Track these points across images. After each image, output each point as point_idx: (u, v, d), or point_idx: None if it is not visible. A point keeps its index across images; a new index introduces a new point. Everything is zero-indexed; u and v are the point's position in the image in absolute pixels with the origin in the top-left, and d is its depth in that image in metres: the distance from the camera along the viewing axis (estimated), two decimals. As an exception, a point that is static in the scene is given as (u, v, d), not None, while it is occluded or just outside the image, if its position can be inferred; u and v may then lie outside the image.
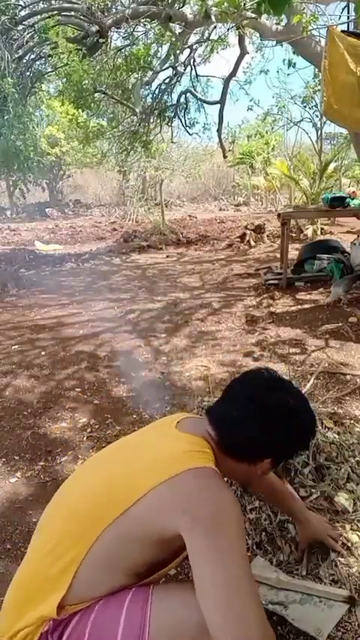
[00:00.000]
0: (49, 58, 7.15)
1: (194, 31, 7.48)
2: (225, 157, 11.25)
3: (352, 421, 2.16)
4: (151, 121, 9.20)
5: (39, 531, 1.06)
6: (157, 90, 8.89)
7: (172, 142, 11.51)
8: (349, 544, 1.57)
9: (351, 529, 1.62)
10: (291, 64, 5.92)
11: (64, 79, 7.87)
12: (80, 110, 8.82)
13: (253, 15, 4.98)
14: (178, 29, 7.26)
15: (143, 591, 0.95)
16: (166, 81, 8.76)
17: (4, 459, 2.29)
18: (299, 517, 1.51)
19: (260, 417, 1.04)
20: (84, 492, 1.04)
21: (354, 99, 3.36)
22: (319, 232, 8.59)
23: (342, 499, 1.71)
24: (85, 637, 0.91)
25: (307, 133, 11.59)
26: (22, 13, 6.43)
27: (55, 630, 0.93)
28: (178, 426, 1.09)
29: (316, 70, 6.53)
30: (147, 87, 8.93)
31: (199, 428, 1.08)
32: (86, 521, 0.96)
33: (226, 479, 1.20)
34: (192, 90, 9.14)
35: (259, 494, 1.65)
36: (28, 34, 6.30)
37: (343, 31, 3.47)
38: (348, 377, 2.90)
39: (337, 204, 5.07)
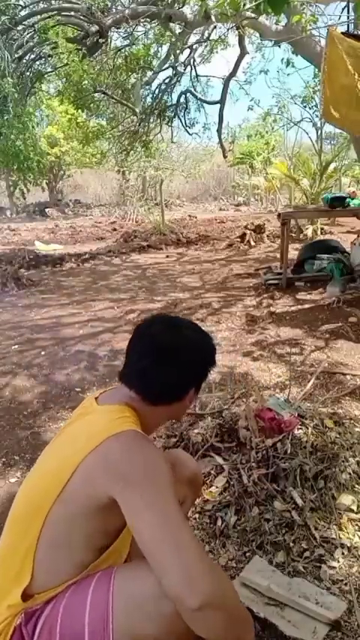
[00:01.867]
0: (49, 58, 7.15)
1: (194, 31, 7.48)
2: (225, 156, 11.25)
3: (352, 421, 2.15)
4: (151, 121, 9.20)
5: (4, 530, 1.10)
6: (157, 90, 8.89)
7: (172, 142, 11.53)
8: (350, 544, 1.57)
9: (354, 529, 1.62)
10: (290, 63, 5.93)
11: (64, 79, 7.88)
12: (80, 110, 8.83)
13: (253, 15, 4.98)
14: (178, 29, 7.26)
15: (108, 573, 0.99)
16: (166, 81, 8.76)
17: (3, 459, 2.29)
18: None
19: (172, 360, 1.10)
20: (28, 487, 1.10)
21: (352, 101, 3.35)
22: (319, 232, 8.59)
23: (345, 499, 1.71)
24: (57, 624, 0.94)
25: (307, 133, 11.60)
26: (22, 13, 6.43)
27: (29, 622, 0.95)
28: (98, 401, 1.13)
29: (316, 69, 6.52)
30: (147, 87, 8.94)
31: (117, 396, 1.13)
32: (30, 512, 1.00)
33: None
34: (192, 90, 9.14)
35: None
36: (28, 34, 6.31)
37: (343, 33, 3.46)
38: (348, 377, 2.89)
39: (337, 204, 5.07)
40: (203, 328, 1.25)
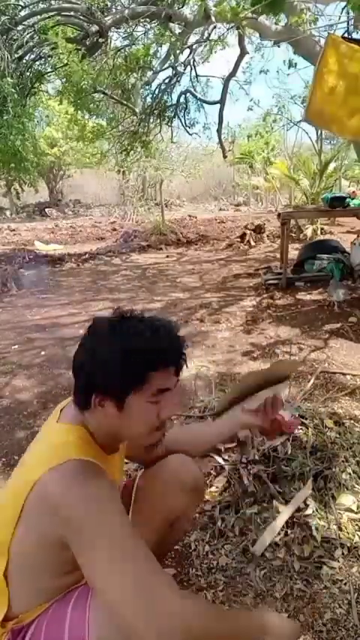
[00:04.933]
0: (49, 59, 7.15)
1: (194, 31, 7.47)
2: (225, 156, 11.26)
3: (352, 421, 2.15)
4: (151, 121, 9.20)
5: None
6: (157, 90, 8.89)
7: (172, 141, 11.52)
8: (350, 544, 1.57)
9: (354, 529, 1.62)
10: (291, 64, 5.92)
11: (64, 80, 7.87)
12: (79, 112, 8.83)
13: (253, 15, 4.98)
14: (177, 29, 7.26)
15: (86, 590, 0.97)
16: (166, 81, 8.76)
17: (3, 459, 2.29)
18: (221, 430, 1.35)
19: (92, 355, 0.99)
20: None
21: (339, 101, 3.36)
22: (319, 232, 8.59)
23: (345, 499, 1.71)
24: None
25: (307, 133, 11.57)
26: (22, 13, 6.43)
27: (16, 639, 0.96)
28: (61, 415, 1.06)
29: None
30: (147, 87, 8.94)
31: (74, 410, 1.04)
32: None
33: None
34: (192, 90, 9.14)
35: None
36: (27, 34, 6.30)
37: (343, 37, 3.46)
38: (348, 377, 2.89)
39: (337, 204, 5.06)
40: (175, 327, 1.04)
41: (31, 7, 6.52)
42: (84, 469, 0.91)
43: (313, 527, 1.60)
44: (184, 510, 1.29)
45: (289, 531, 1.61)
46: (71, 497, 0.87)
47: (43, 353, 3.67)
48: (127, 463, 1.99)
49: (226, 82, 8.55)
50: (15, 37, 6.18)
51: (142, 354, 0.95)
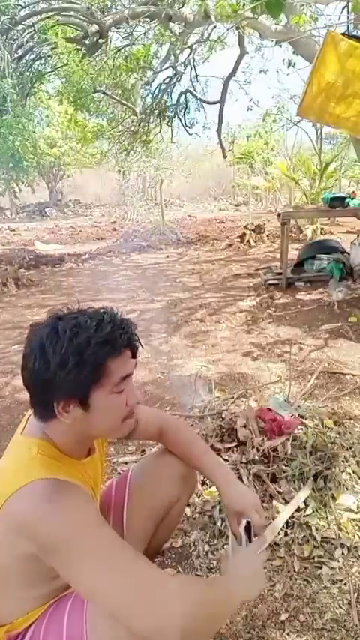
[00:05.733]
0: (49, 59, 7.15)
1: (194, 31, 7.47)
2: (225, 156, 11.25)
3: (352, 421, 2.16)
4: (151, 121, 9.20)
5: None
6: (157, 90, 8.89)
7: (171, 141, 11.51)
8: (350, 544, 1.57)
9: (354, 529, 1.62)
10: (291, 64, 5.92)
11: (64, 79, 7.88)
12: (79, 112, 8.84)
13: (253, 15, 4.98)
14: (177, 29, 7.26)
15: None
16: (166, 81, 8.76)
17: (3, 459, 2.29)
18: (216, 481, 1.25)
19: (38, 363, 0.92)
20: None
21: (336, 96, 3.36)
22: (319, 232, 8.58)
23: (345, 499, 1.71)
24: None
25: (306, 133, 11.53)
26: (22, 13, 6.43)
27: None
28: (26, 427, 1.03)
29: (316, 70, 6.49)
30: (147, 87, 8.94)
31: (37, 422, 1.00)
32: None
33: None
34: (192, 90, 9.14)
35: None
36: (27, 34, 6.31)
37: (343, 34, 3.46)
38: (348, 377, 2.89)
39: (337, 204, 5.06)
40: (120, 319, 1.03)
41: (31, 7, 6.52)
42: (51, 489, 0.88)
43: (313, 527, 1.60)
44: (177, 497, 1.33)
45: (289, 531, 1.61)
46: (42, 520, 0.85)
47: (43, 353, 3.67)
48: (124, 462, 1.98)
49: (226, 82, 8.55)
50: (15, 37, 6.19)
51: (94, 346, 0.91)
